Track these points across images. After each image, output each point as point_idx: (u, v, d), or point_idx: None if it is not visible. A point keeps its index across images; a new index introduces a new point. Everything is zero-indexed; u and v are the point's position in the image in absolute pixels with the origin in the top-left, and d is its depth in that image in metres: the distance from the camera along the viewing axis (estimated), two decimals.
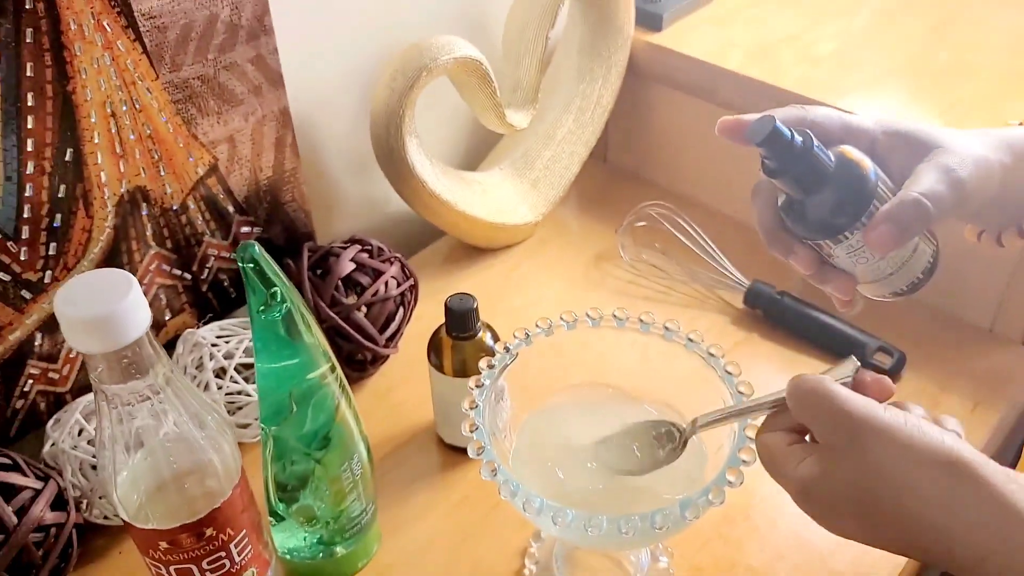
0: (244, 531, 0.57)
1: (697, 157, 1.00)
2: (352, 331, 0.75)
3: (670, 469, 0.58)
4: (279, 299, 0.53)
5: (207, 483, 0.54)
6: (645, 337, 0.63)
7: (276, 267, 0.53)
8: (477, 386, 0.58)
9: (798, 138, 0.47)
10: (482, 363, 0.60)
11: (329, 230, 0.90)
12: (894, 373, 0.79)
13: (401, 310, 0.80)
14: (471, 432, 0.56)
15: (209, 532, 0.54)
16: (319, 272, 0.77)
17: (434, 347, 0.71)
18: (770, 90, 0.87)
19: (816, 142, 0.47)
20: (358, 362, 0.79)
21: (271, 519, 0.63)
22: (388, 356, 0.81)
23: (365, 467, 0.64)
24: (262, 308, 0.53)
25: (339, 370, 0.60)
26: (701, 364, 0.60)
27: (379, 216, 0.96)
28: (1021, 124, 0.55)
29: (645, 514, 0.50)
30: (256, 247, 0.52)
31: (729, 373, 0.58)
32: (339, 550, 0.66)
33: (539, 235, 0.97)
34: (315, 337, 0.57)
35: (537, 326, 0.62)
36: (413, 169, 0.81)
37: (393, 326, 0.79)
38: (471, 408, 0.57)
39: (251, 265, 0.52)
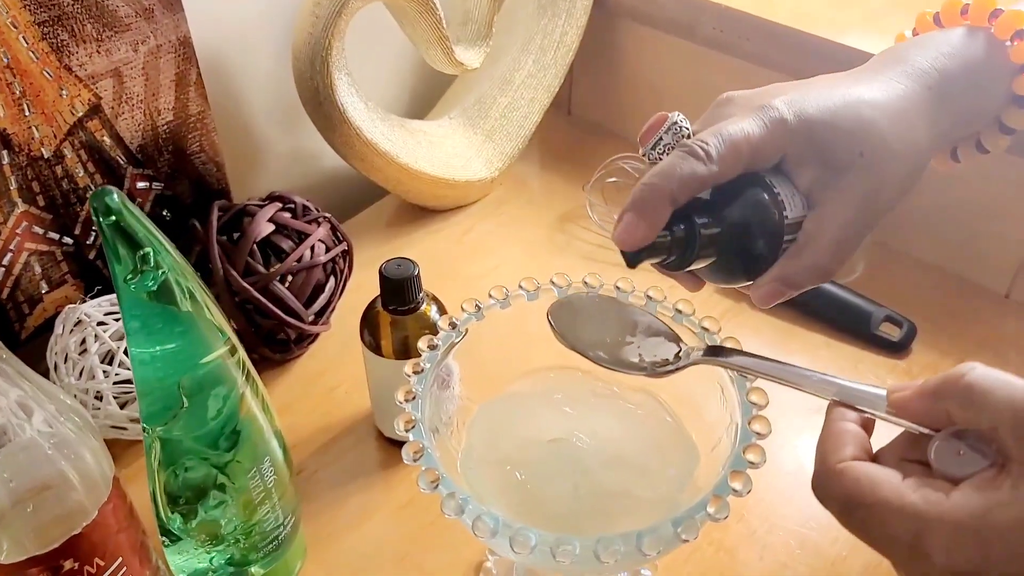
0: (120, 559, 0.45)
1: (674, 105, 0.88)
2: (271, 305, 0.63)
3: (653, 464, 0.47)
4: (152, 264, 0.41)
5: (64, 503, 0.42)
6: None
7: (147, 221, 0.41)
8: (415, 372, 0.47)
9: (679, 228, 0.41)
10: (422, 343, 0.48)
11: (250, 188, 0.77)
12: (903, 346, 0.69)
13: (332, 280, 0.68)
14: (407, 430, 0.44)
15: (69, 565, 0.42)
16: (231, 235, 0.65)
17: (368, 324, 0.59)
18: (761, 25, 0.76)
19: (698, 221, 0.41)
20: (280, 342, 0.67)
21: (163, 539, 0.51)
22: (317, 334, 0.69)
23: (281, 471, 0.52)
24: (130, 277, 0.41)
25: (242, 353, 0.48)
26: (693, 342, 0.49)
27: (311, 173, 0.84)
28: (915, 32, 0.50)
29: (629, 535, 0.39)
30: (115, 195, 0.39)
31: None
32: (255, 571, 0.54)
33: (495, 194, 0.86)
34: (208, 312, 0.45)
35: (491, 297, 0.51)
36: (344, 113, 0.69)
37: (322, 299, 0.67)
38: (407, 400, 0.45)
39: (111, 219, 0.39)
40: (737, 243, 0.42)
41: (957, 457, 0.35)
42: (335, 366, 0.69)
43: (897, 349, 0.69)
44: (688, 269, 0.43)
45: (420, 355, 0.48)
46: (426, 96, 0.89)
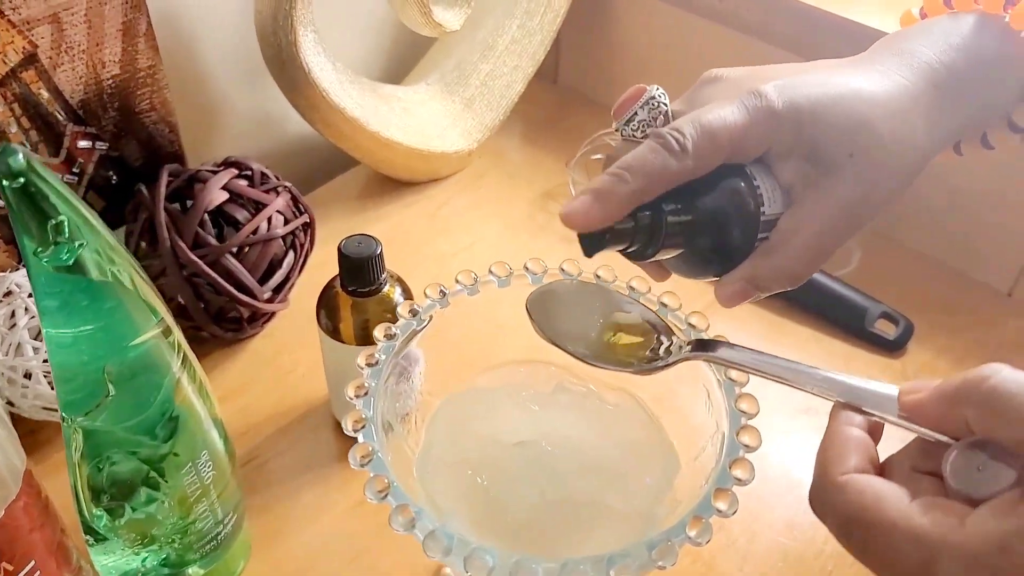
0: (33, 561, 0.41)
1: (666, 77, 0.83)
2: (221, 280, 0.58)
3: (629, 471, 0.43)
4: (66, 235, 0.36)
5: None
6: None
7: (62, 185, 0.36)
8: (369, 364, 0.42)
9: (643, 215, 0.36)
10: (378, 331, 0.44)
11: (208, 152, 0.72)
12: (899, 344, 0.65)
13: (291, 254, 0.63)
14: (355, 430, 0.39)
15: None
16: (183, 203, 0.60)
17: (326, 305, 0.54)
18: None
19: (665, 208, 0.37)
20: (232, 320, 0.62)
21: (87, 538, 0.46)
22: (274, 313, 0.64)
23: (221, 464, 0.47)
24: (40, 249, 0.36)
25: (178, 334, 0.44)
26: (684, 336, 0.44)
27: (276, 138, 0.78)
28: (923, 13, 0.45)
29: (599, 559, 0.35)
30: (20, 154, 0.34)
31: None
32: (193, 571, 0.49)
33: (473, 167, 0.80)
34: (137, 289, 0.40)
35: (457, 282, 0.46)
36: (309, 73, 0.63)
37: (279, 275, 0.62)
38: (358, 395, 0.41)
39: (16, 183, 0.34)
40: (708, 236, 0.38)
41: (976, 473, 0.30)
42: (292, 347, 0.64)
43: (892, 348, 0.65)
44: (653, 259, 0.38)
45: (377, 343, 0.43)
46: (402, 60, 0.83)
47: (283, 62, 0.63)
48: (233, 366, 0.63)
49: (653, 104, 0.38)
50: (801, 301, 0.67)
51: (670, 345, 0.41)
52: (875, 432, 0.34)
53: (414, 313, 0.45)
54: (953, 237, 0.71)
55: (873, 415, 0.34)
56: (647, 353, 0.40)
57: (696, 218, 0.37)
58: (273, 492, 0.56)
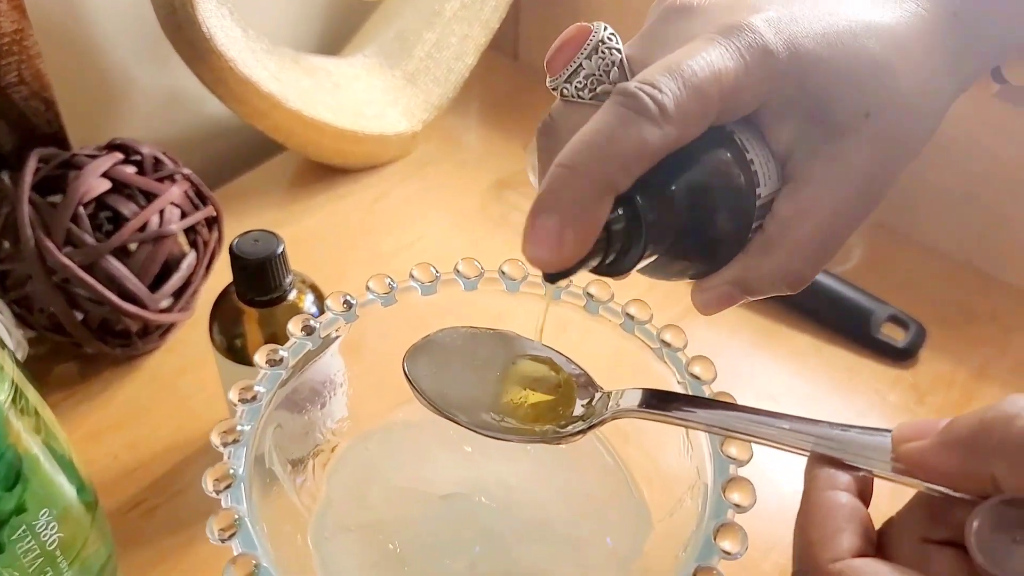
0: None
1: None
2: (99, 286, 0.48)
3: (587, 532, 0.34)
4: None
5: None
6: (556, 308, 0.37)
7: None
8: (243, 400, 0.32)
9: (617, 216, 0.26)
10: (259, 356, 0.34)
11: (104, 137, 0.61)
12: (910, 353, 0.56)
13: (193, 254, 0.53)
14: (216, 491, 0.29)
15: None
16: (50, 193, 0.49)
17: (220, 318, 0.44)
18: None
19: (640, 202, 0.26)
20: (120, 334, 0.52)
21: None
22: (171, 324, 0.54)
23: (75, 521, 0.37)
24: None
25: (10, 362, 0.34)
26: (648, 358, 0.35)
27: (190, 120, 0.68)
28: None
29: None
30: None
31: (696, 379, 0.33)
32: None
33: (419, 152, 0.71)
34: None
35: (369, 289, 0.36)
36: (211, 40, 0.53)
37: (177, 278, 0.52)
38: (224, 443, 0.31)
39: None
40: (690, 232, 0.28)
41: (1013, 546, 0.22)
42: (197, 366, 0.54)
43: (902, 356, 0.56)
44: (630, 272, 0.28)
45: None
46: (338, 31, 0.73)
47: (179, 25, 0.53)
48: (124, 389, 0.53)
49: (602, 50, 0.28)
50: (796, 303, 0.58)
51: (592, 399, 0.31)
52: (865, 490, 0.26)
53: (309, 330, 0.35)
54: (969, 230, 0.62)
55: (860, 469, 0.26)
56: (564, 412, 0.31)
57: (677, 212, 0.27)
58: (161, 546, 0.46)
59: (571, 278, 0.27)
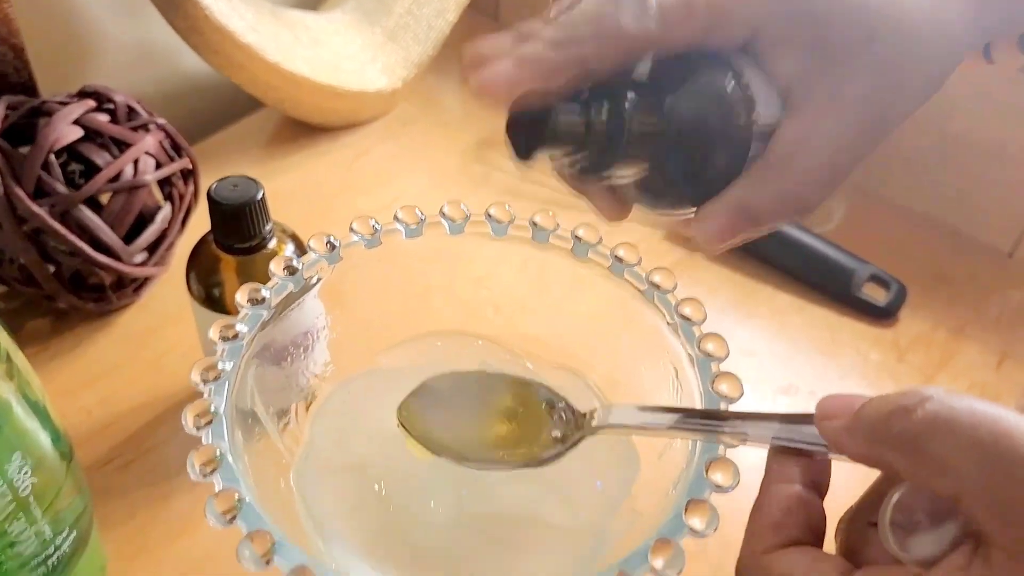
0: None
1: None
2: (72, 237, 0.47)
3: (573, 475, 0.33)
4: None
5: None
6: (542, 253, 0.37)
7: None
8: (225, 337, 0.31)
9: (598, 107, 0.27)
10: (240, 295, 0.33)
11: (72, 86, 0.60)
12: (891, 312, 0.56)
13: (168, 207, 0.51)
14: (197, 428, 0.29)
15: None
16: (20, 144, 0.48)
17: (199, 267, 0.43)
18: None
19: (629, 97, 0.27)
20: (93, 287, 0.51)
21: None
22: (146, 278, 0.53)
23: (49, 469, 0.36)
24: None
25: None
26: (637, 303, 0.34)
27: (167, 73, 0.66)
28: None
29: None
30: None
31: (687, 319, 0.33)
32: None
33: (399, 111, 0.70)
34: None
35: (353, 231, 0.36)
36: None
37: (152, 231, 0.50)
38: (205, 379, 0.30)
39: None
40: (682, 148, 0.28)
41: (917, 535, 0.23)
42: (172, 321, 0.53)
43: (883, 315, 0.56)
44: (608, 179, 0.28)
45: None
46: None
47: None
48: (97, 344, 0.52)
49: None
50: (778, 262, 0.58)
51: (571, 421, 0.32)
52: (821, 481, 0.27)
53: (292, 271, 0.34)
54: (947, 192, 0.62)
55: (816, 455, 0.26)
56: (545, 436, 0.32)
57: (666, 121, 0.27)
58: (135, 500, 0.45)
59: (541, 153, 0.27)
